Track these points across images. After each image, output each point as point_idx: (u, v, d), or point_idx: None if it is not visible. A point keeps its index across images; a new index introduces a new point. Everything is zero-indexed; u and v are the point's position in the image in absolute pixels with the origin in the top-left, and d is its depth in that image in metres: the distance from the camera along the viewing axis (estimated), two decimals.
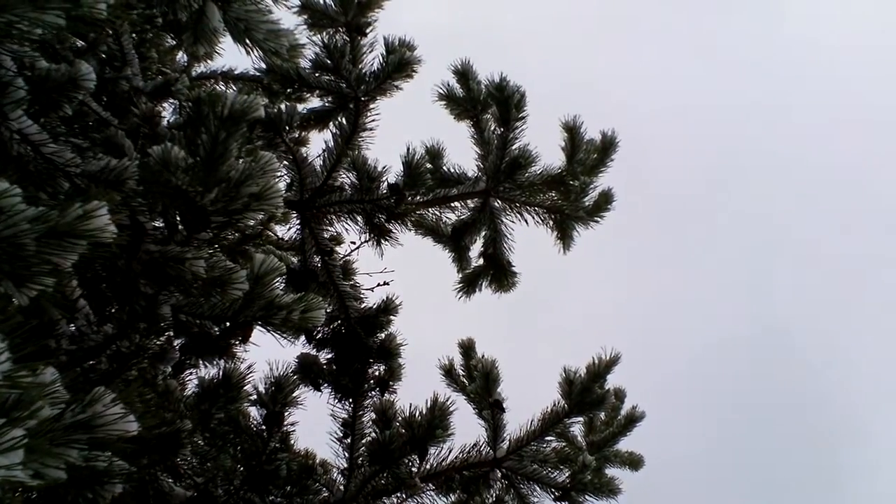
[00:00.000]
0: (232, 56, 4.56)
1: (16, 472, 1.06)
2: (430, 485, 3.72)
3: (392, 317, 4.04)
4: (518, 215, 4.39)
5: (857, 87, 18.13)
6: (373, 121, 3.86)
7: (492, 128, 4.18)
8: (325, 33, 3.72)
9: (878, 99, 17.57)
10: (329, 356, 4.05)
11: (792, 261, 18.11)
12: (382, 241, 4.05)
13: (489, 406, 3.87)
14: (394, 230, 4.00)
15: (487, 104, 4.13)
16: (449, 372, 4.30)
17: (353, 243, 4.31)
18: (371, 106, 3.84)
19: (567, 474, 3.92)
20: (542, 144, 4.22)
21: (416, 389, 3.97)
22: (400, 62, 3.71)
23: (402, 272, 4.45)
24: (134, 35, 3.77)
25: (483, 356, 3.99)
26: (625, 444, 4.68)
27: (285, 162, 3.78)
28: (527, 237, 4.49)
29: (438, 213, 4.37)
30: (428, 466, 3.69)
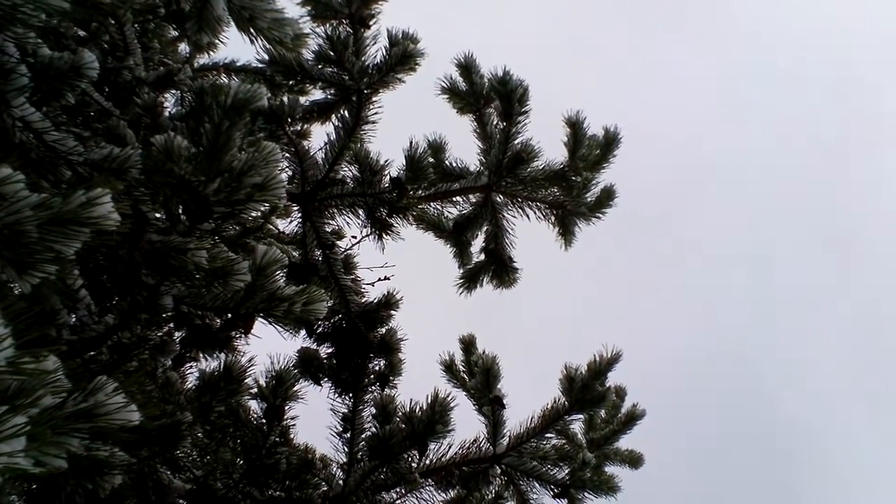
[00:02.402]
0: (234, 48, 4.54)
1: (18, 459, 1.05)
2: (430, 480, 3.71)
3: (393, 311, 4.02)
4: (520, 210, 4.38)
5: (812, 112, 18.27)
6: (375, 114, 3.84)
7: (494, 122, 4.17)
8: (328, 25, 3.69)
9: (829, 126, 17.74)
10: (329, 350, 4.03)
11: (750, 284, 18.21)
12: (384, 236, 4.03)
13: (489, 402, 3.86)
14: (395, 224, 3.98)
15: (490, 98, 4.12)
16: (449, 367, 4.29)
17: (354, 237, 4.30)
18: (374, 98, 3.82)
19: (566, 471, 3.91)
20: (543, 142, 4.22)
21: (415, 383, 3.97)
22: (403, 55, 3.69)
23: (403, 267, 4.44)
24: (136, 25, 3.74)
25: (484, 352, 3.98)
26: (625, 442, 4.69)
27: (287, 154, 3.77)
28: None
29: (440, 208, 4.36)
30: (427, 462, 3.68)
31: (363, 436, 3.73)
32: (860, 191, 18.10)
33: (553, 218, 4.43)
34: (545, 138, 4.21)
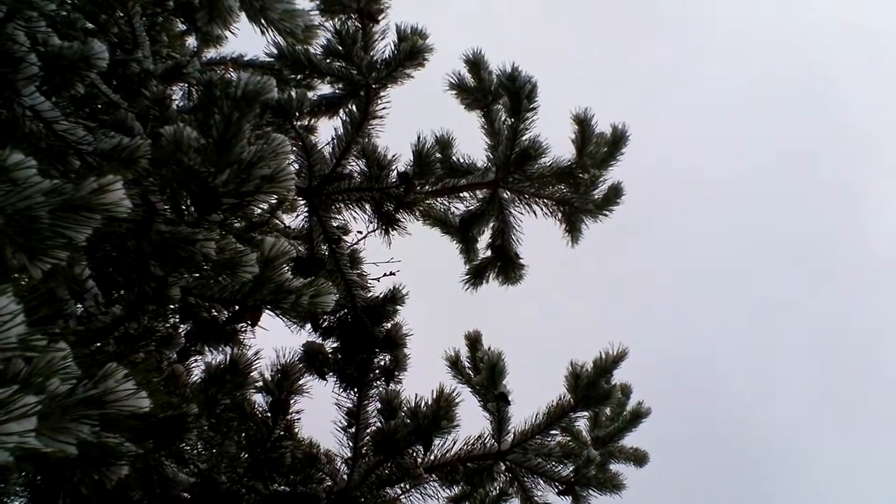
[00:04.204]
0: (242, 43, 4.55)
1: (28, 438, 1.04)
2: (434, 476, 3.70)
3: (399, 306, 4.03)
4: (527, 207, 4.37)
5: (780, 125, 18.35)
6: (383, 109, 3.85)
7: (502, 118, 4.16)
8: (337, 19, 3.69)
9: (798, 140, 17.81)
10: (335, 345, 4.03)
11: (716, 292, 18.27)
12: (391, 230, 4.03)
13: (494, 398, 3.85)
14: (402, 219, 3.98)
15: (498, 94, 4.11)
16: (455, 364, 4.29)
17: (360, 232, 4.29)
18: (382, 93, 3.82)
19: (571, 469, 3.91)
20: (551, 138, 4.21)
21: (420, 379, 3.96)
22: (412, 50, 3.69)
23: (409, 262, 4.44)
24: (144, 18, 3.74)
25: (490, 348, 3.98)
26: (630, 440, 4.68)
27: (294, 149, 3.76)
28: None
29: (447, 204, 4.36)
30: (432, 457, 3.68)
31: (368, 431, 3.73)
32: (829, 204, 18.26)
33: (560, 215, 4.43)
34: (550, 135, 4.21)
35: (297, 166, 3.84)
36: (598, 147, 4.27)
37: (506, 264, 4.53)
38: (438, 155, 4.09)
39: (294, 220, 4.28)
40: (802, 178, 18.45)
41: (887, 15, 16.69)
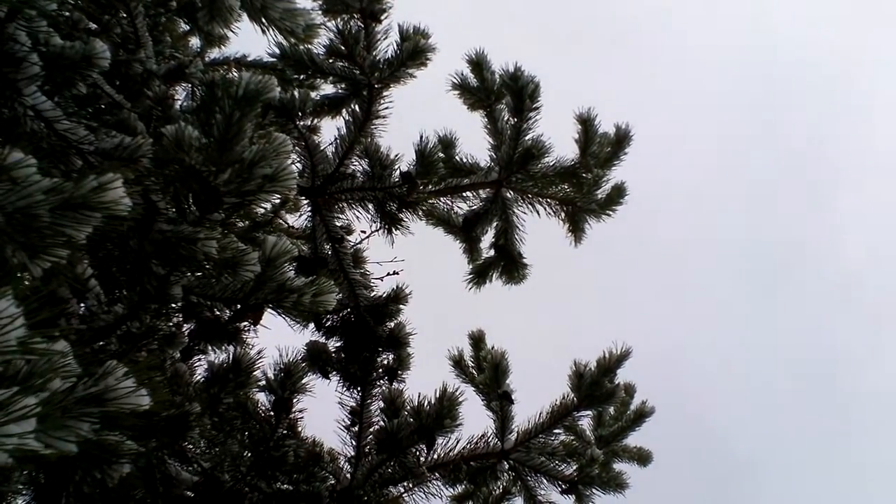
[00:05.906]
0: (245, 43, 4.56)
1: (28, 440, 1.05)
2: (437, 474, 3.70)
3: (402, 306, 4.02)
4: (530, 206, 4.37)
5: (749, 143, 18.37)
6: (386, 108, 3.84)
7: (505, 118, 4.16)
8: (339, 19, 3.69)
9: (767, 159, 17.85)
10: (338, 344, 4.03)
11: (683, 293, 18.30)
12: (394, 230, 4.03)
13: (498, 397, 3.85)
14: (405, 219, 3.98)
15: (501, 94, 4.11)
16: (458, 363, 4.29)
17: (363, 232, 4.30)
18: (384, 93, 3.82)
19: (574, 467, 3.90)
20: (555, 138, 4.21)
21: (424, 378, 3.96)
22: (414, 50, 3.69)
23: (412, 261, 4.44)
24: (147, 18, 3.75)
25: (493, 347, 3.97)
26: (633, 440, 4.67)
27: (297, 148, 3.77)
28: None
29: (450, 203, 4.35)
30: (435, 456, 3.67)
31: (371, 429, 3.74)
32: (798, 217, 18.33)
33: (563, 214, 4.42)
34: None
35: (300, 166, 3.84)
36: (602, 147, 4.27)
37: (509, 264, 4.52)
38: (441, 154, 4.10)
39: (297, 219, 4.30)
40: (773, 196, 18.56)
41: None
